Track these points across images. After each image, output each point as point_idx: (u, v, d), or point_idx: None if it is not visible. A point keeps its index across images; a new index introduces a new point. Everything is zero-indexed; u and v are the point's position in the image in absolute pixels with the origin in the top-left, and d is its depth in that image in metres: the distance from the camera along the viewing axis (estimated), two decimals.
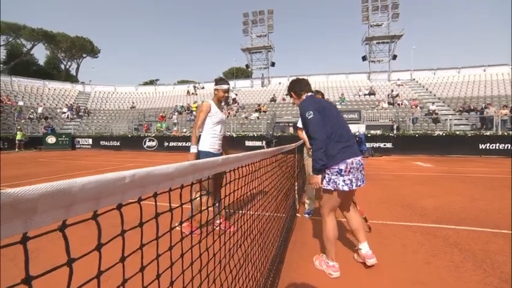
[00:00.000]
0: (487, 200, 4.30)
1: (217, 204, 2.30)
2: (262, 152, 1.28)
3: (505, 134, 12.36)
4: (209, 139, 2.79)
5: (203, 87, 30.74)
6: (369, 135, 13.63)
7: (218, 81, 2.89)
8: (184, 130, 18.92)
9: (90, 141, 19.25)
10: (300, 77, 2.30)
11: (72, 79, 39.50)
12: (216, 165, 0.84)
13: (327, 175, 1.91)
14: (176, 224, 0.98)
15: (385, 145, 13.42)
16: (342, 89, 24.62)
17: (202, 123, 2.79)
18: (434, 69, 25.65)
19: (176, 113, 23.25)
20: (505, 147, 12.06)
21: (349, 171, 1.85)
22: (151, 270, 0.62)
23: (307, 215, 3.42)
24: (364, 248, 2.07)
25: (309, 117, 1.89)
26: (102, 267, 0.45)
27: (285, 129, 16.99)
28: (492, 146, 12.21)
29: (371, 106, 19.66)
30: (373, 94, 22.32)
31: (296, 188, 3.56)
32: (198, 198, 2.22)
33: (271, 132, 14.37)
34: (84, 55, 44.33)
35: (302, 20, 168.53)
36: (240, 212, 1.28)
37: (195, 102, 24.86)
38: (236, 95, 25.92)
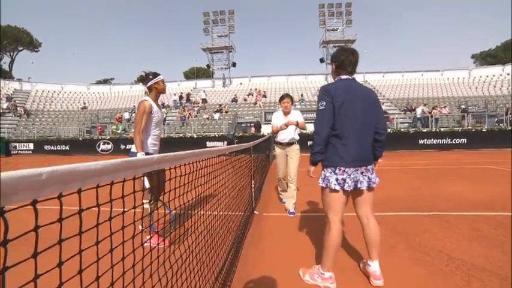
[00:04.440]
0: (423, 188, 4.89)
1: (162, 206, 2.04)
2: (208, 151, 1.32)
3: (437, 130, 14.20)
4: (149, 140, 2.59)
5: None
6: None
7: (152, 75, 2.63)
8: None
9: (31, 145, 17.18)
10: (351, 49, 1.94)
11: (5, 75, 34.51)
12: (152, 163, 0.87)
13: (322, 172, 1.87)
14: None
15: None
16: (301, 90, 25.63)
17: (146, 126, 2.53)
18: (383, 72, 28.09)
19: (133, 114, 22.00)
20: (439, 142, 13.80)
21: (344, 171, 1.78)
22: (73, 267, 0.63)
23: (291, 214, 3.53)
24: (374, 267, 1.93)
25: (320, 108, 1.78)
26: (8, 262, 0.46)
27: (247, 130, 17.15)
28: (429, 141, 13.86)
29: None
30: None
31: (253, 186, 3.65)
32: (150, 205, 2.14)
33: (232, 133, 14.39)
34: (20, 48, 39.14)
35: (263, 22, 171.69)
36: (183, 210, 1.31)
37: None
38: (206, 94, 25.40)
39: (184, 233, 1.26)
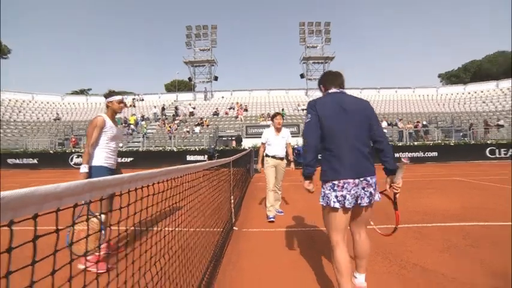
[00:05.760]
0: (399, 202, 5.05)
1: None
2: (184, 168, 1.29)
3: (411, 144, 14.96)
4: (104, 154, 2.63)
5: (142, 99, 28.97)
6: None
7: (109, 94, 2.78)
8: (120, 145, 17.34)
9: None
10: (334, 70, 2.01)
11: None
12: (122, 182, 0.83)
13: (322, 189, 1.79)
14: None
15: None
16: (282, 104, 26.17)
17: (97, 140, 2.60)
18: (361, 88, 29.47)
19: None
20: (413, 155, 14.52)
21: (343, 186, 1.70)
22: None
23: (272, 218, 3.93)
24: (360, 279, 1.92)
25: (306, 120, 1.81)
26: None
27: (228, 143, 17.07)
28: (404, 155, 14.53)
29: None
30: None
31: (232, 201, 3.60)
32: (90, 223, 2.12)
33: (213, 146, 14.27)
34: None
35: (245, 37, 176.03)
36: (155, 228, 1.25)
37: (133, 114, 23.16)
38: (194, 108, 25.18)
39: (157, 253, 1.20)
